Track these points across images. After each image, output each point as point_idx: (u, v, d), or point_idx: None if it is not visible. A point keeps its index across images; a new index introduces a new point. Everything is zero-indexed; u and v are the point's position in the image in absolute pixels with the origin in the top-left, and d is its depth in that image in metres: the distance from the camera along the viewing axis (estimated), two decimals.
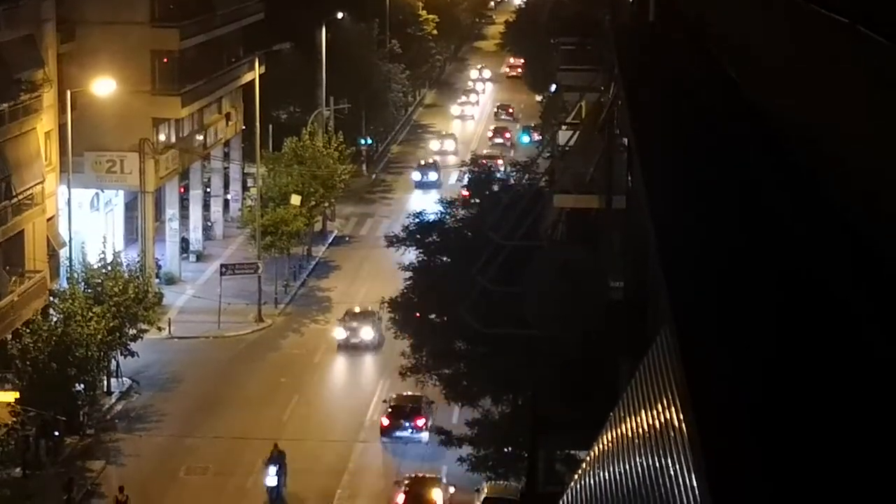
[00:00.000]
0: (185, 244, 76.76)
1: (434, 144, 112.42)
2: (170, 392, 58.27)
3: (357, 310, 66.23)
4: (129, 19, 67.77)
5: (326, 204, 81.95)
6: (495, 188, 54.56)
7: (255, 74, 74.10)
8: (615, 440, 14.55)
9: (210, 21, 74.51)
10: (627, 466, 12.85)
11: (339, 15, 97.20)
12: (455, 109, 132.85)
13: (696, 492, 8.78)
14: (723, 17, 22.78)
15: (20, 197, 55.78)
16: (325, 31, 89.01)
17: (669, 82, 22.22)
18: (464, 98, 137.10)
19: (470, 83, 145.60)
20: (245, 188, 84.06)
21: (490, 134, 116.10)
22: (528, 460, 44.42)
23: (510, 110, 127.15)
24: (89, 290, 54.88)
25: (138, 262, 62.40)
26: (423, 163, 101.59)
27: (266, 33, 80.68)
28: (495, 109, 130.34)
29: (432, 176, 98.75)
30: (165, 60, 70.07)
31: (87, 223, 67.73)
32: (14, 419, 47.44)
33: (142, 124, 68.23)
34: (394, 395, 55.49)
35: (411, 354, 50.20)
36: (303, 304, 71.89)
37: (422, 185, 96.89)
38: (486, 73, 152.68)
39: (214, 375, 60.65)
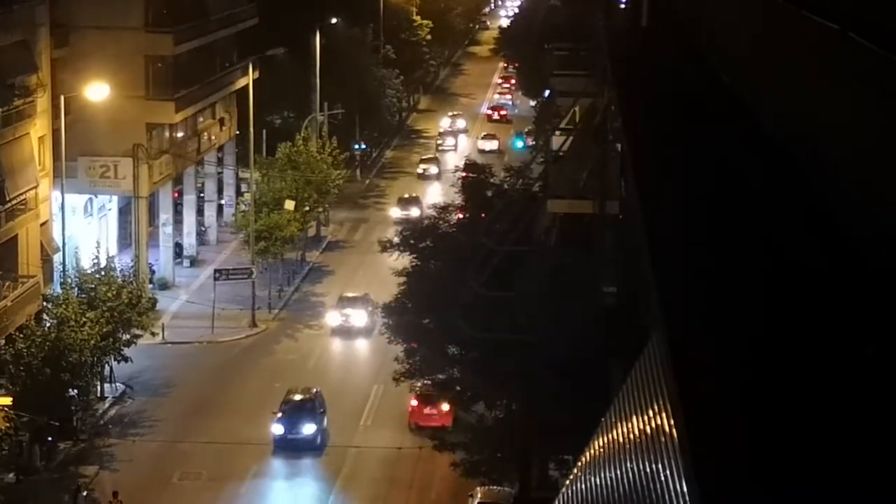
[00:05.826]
0: (178, 249, 76.69)
1: (334, 317, 68.00)
2: (163, 397, 58.20)
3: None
4: (123, 24, 67.72)
5: (320, 209, 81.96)
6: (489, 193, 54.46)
7: (248, 79, 74.08)
8: (607, 445, 14.57)
9: (204, 26, 74.50)
10: (619, 471, 12.87)
11: (333, 20, 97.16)
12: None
13: (687, 497, 8.80)
14: (715, 22, 22.82)
15: (14, 202, 55.73)
16: (319, 36, 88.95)
17: (662, 88, 22.25)
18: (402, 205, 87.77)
19: (435, 146, 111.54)
20: (239, 193, 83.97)
21: (499, 80, 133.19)
22: (521, 465, 44.49)
23: (517, 64, 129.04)
24: (83, 296, 54.79)
25: (132, 267, 62.34)
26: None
27: (260, 38, 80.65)
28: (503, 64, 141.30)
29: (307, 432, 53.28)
30: (159, 65, 70.04)
31: (80, 228, 67.71)
32: (7, 424, 47.34)
33: (135, 129, 68.18)
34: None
35: (405, 359, 50.16)
36: (297, 309, 71.84)
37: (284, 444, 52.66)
38: (461, 123, 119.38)
39: (208, 381, 60.59)
